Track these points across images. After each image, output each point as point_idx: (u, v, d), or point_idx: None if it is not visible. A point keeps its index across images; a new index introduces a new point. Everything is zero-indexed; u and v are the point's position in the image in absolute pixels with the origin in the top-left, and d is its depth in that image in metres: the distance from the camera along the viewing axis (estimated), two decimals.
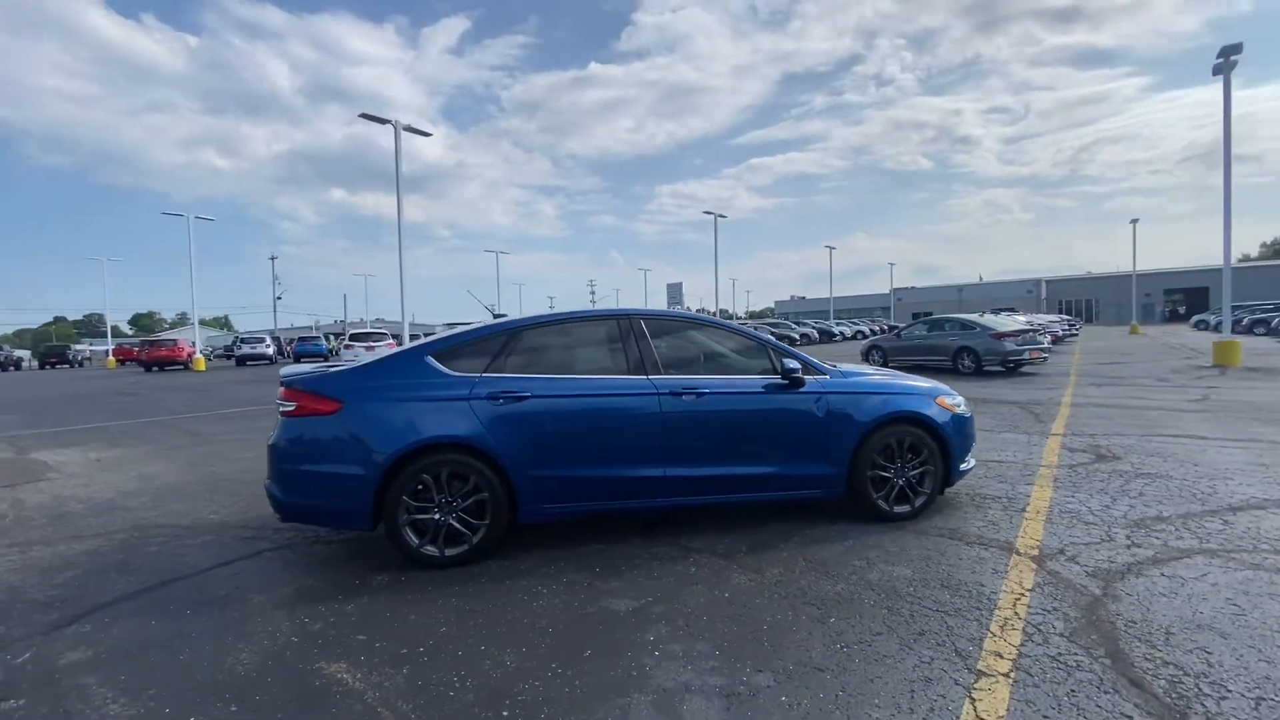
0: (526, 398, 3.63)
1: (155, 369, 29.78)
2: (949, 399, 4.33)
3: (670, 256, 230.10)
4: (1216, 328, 33.85)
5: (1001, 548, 3.62)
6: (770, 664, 2.45)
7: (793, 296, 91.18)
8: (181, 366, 30.43)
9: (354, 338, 21.19)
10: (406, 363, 3.71)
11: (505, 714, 2.18)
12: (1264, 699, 2.13)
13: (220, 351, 48.67)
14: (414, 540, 3.49)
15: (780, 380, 4.00)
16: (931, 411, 4.19)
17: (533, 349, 3.88)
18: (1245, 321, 29.57)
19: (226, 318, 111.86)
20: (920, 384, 4.39)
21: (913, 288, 77.50)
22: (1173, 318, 58.10)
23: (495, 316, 5.85)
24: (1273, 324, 26.37)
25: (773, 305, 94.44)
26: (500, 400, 3.60)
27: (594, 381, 3.80)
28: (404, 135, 17.36)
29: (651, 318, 4.12)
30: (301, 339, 33.81)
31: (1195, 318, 40.53)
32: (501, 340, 3.84)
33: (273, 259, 61.55)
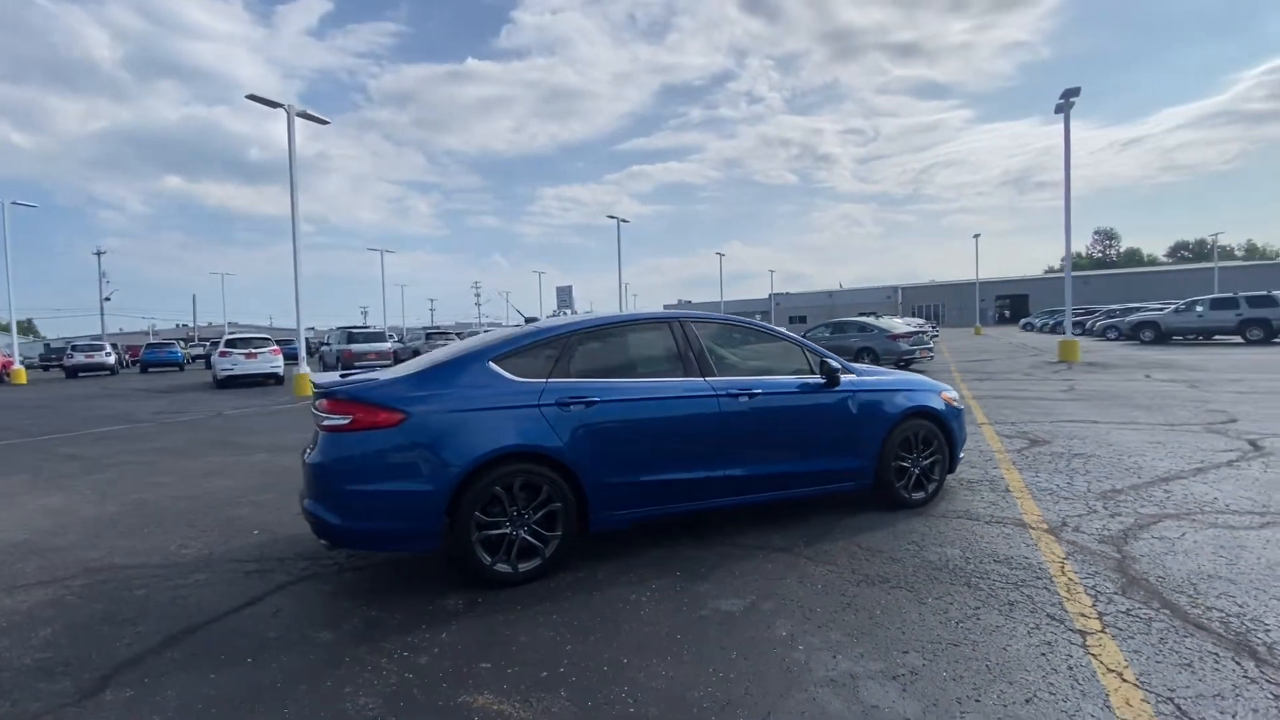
0: (596, 403, 3.54)
1: None
2: (949, 393, 4.80)
3: (555, 259, 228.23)
4: (1041, 329, 39.78)
5: (1016, 524, 4.09)
6: (909, 645, 2.62)
7: (679, 301, 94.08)
8: None
9: (231, 344, 18.91)
10: (469, 369, 3.48)
11: None
12: None
13: (36, 361, 41.24)
14: (486, 558, 3.28)
15: (819, 379, 4.22)
16: (939, 405, 4.62)
17: (592, 353, 3.80)
18: (1059, 323, 34.85)
19: (30, 321, 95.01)
20: (926, 380, 4.82)
21: (788, 293, 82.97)
22: (1002, 320, 67.08)
23: (526, 321, 5.36)
24: (1087, 325, 31.33)
25: (662, 307, 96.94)
26: (571, 406, 3.48)
27: (659, 385, 3.79)
28: (254, 119, 15.82)
29: (700, 321, 4.18)
30: (151, 346, 29.65)
31: (1023, 320, 47.27)
32: (561, 344, 3.72)
33: (99, 254, 53.21)
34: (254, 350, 18.62)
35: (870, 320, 17.52)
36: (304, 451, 3.71)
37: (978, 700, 2.23)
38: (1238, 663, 2.40)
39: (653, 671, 2.49)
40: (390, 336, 25.16)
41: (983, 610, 2.90)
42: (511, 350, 3.61)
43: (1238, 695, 2.20)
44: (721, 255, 49.17)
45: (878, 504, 4.50)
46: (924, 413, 4.53)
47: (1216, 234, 54.69)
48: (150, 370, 29.94)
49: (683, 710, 2.23)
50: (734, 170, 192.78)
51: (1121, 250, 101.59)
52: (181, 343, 36.95)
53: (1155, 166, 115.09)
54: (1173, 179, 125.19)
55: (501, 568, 3.32)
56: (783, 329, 4.78)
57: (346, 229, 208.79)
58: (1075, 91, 16.31)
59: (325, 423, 3.25)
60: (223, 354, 18.61)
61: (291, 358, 20.90)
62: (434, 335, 26.18)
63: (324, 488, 3.21)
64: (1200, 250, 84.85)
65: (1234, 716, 2.09)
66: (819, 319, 44.36)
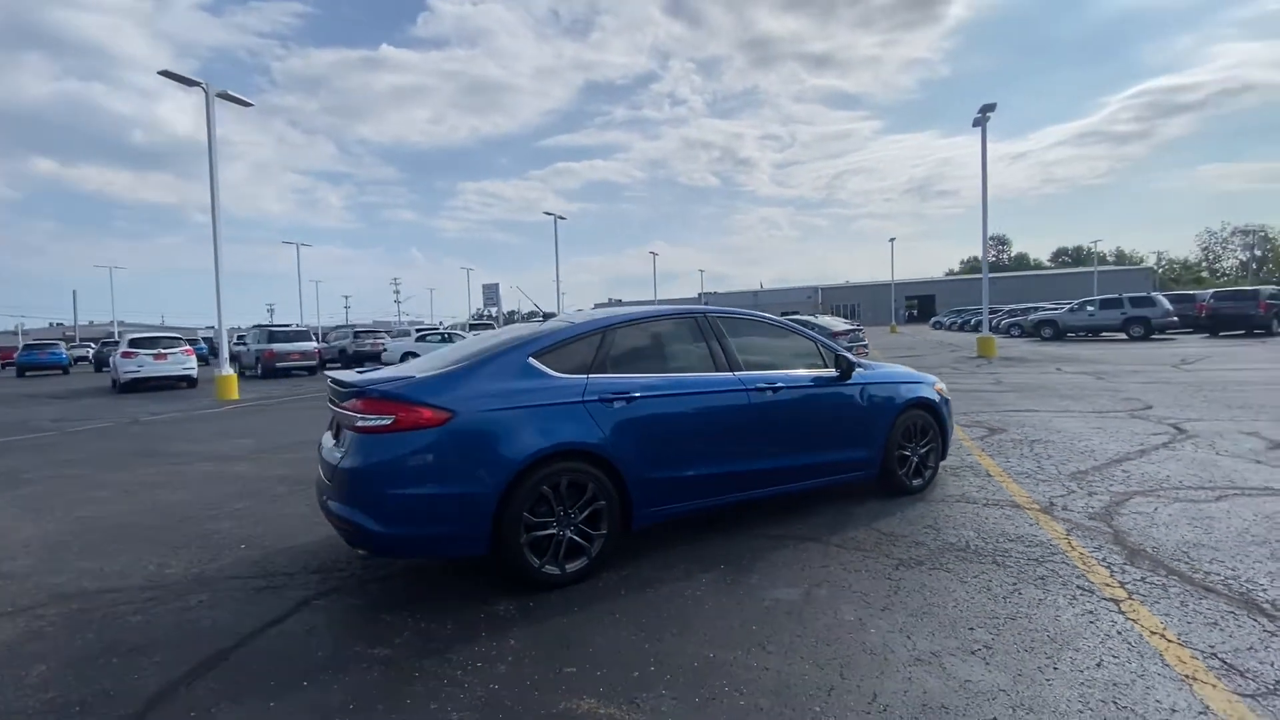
0: (636, 398, 3.50)
1: None
2: (940, 385, 5.08)
3: (477, 256, 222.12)
4: (950, 327, 42.87)
5: (1010, 506, 4.39)
6: (972, 622, 2.77)
7: (610, 299, 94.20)
8: None
9: (137, 344, 17.16)
10: (511, 365, 3.35)
11: (820, 709, 2.19)
12: None
13: None
14: (535, 560, 3.17)
15: (832, 372, 4.37)
16: (934, 396, 4.89)
17: (625, 348, 3.75)
18: (973, 321, 37.59)
19: None
20: (920, 373, 5.09)
21: (715, 292, 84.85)
22: (911, 319, 71.59)
23: (544, 317, 5.05)
24: (992, 323, 33.99)
25: (592, 306, 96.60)
26: (613, 402, 3.43)
27: (694, 379, 3.80)
28: (139, 99, 14.51)
29: (722, 315, 4.22)
30: (29, 347, 26.43)
31: (933, 319, 50.63)
32: (597, 339, 3.65)
33: None
34: (164, 351, 17.01)
35: (811, 318, 18.24)
36: (322, 453, 3.46)
37: (1055, 668, 2.39)
38: (1253, 619, 2.70)
39: (744, 664, 2.50)
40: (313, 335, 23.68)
41: (1021, 586, 3.11)
42: (551, 345, 3.51)
43: (1266, 646, 2.48)
44: (655, 254, 49.64)
45: (879, 492, 4.71)
46: (922, 403, 4.79)
47: (1096, 241, 60.89)
48: (28, 374, 26.71)
49: (790, 699, 2.26)
50: (659, 171, 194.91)
51: (1012, 255, 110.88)
52: (63, 343, 33.10)
53: (1038, 179, 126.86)
54: (1053, 190, 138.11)
55: (550, 569, 3.22)
56: (793, 322, 4.89)
57: (248, 220, 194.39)
58: (991, 107, 17.67)
59: (361, 424, 3.04)
60: (126, 355, 16.87)
61: (203, 359, 19.28)
62: (363, 334, 24.85)
63: (363, 492, 3.00)
64: (1078, 255, 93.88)
65: (1272, 665, 2.35)
66: None
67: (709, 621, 2.87)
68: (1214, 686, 2.24)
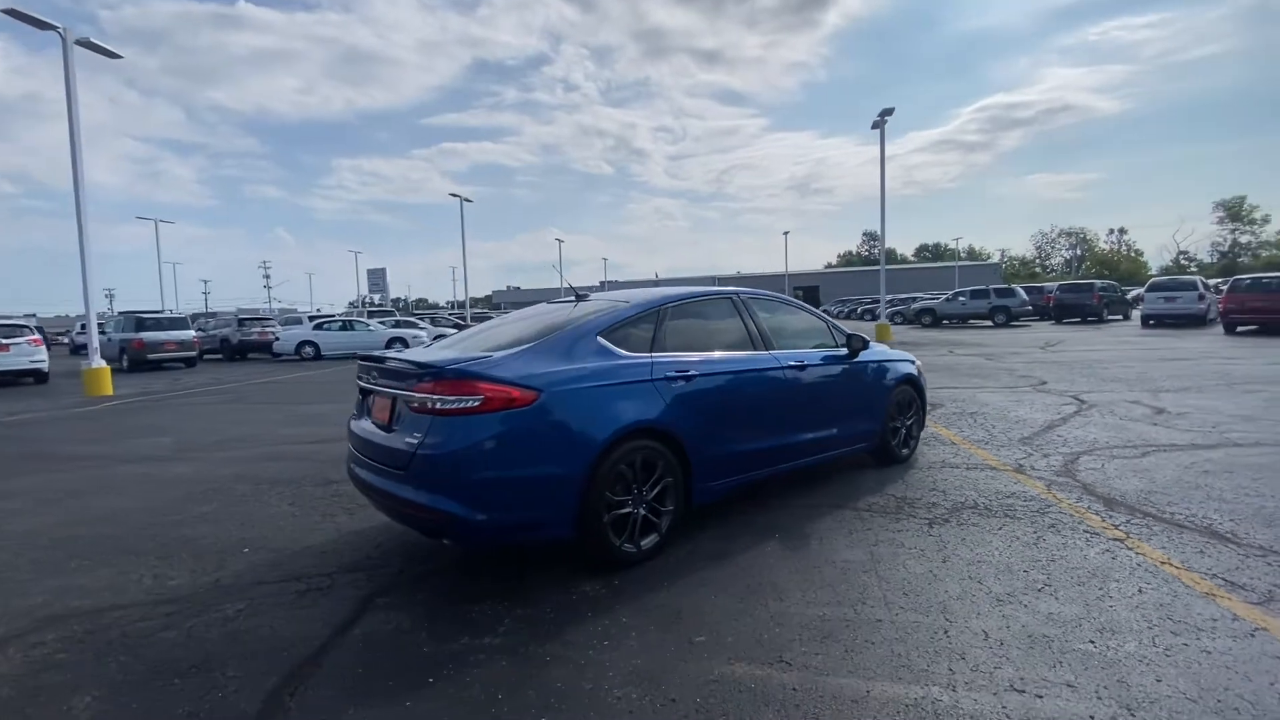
0: (694, 376, 3.57)
1: None
2: (919, 362, 5.57)
3: (356, 238, 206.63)
4: (836, 316, 46.23)
5: (987, 468, 4.94)
6: (1023, 566, 3.13)
7: (509, 286, 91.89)
8: None
9: None
10: (585, 345, 3.29)
11: (947, 647, 2.41)
12: (1246, 516, 3.64)
13: None
14: (615, 539, 3.16)
15: (844, 351, 4.67)
16: (916, 373, 5.36)
17: (678, 327, 3.79)
18: (859, 310, 40.73)
19: None
20: (904, 352, 5.54)
21: (616, 281, 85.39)
22: None
23: (578, 296, 4.45)
24: (875, 312, 37.03)
25: (490, 294, 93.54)
26: (676, 380, 3.47)
27: (739, 358, 3.92)
28: (45, 55, 12.38)
29: (752, 297, 4.36)
30: None
31: (820, 308, 54.24)
32: (654, 318, 3.67)
33: None
34: (4, 341, 14.46)
35: None
36: (372, 440, 3.23)
37: (1110, 596, 2.79)
38: (1226, 546, 3.29)
39: (858, 618, 2.68)
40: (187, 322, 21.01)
41: (1041, 534, 3.55)
42: (617, 325, 3.49)
43: (1247, 566, 3.04)
44: (560, 240, 49.02)
45: (873, 462, 5.11)
46: (909, 379, 5.24)
47: (957, 238, 67.90)
48: None
49: (920, 644, 2.46)
50: (552, 156, 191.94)
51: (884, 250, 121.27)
52: None
53: (901, 181, 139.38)
54: (913, 192, 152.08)
55: (628, 547, 3.23)
56: (806, 304, 5.14)
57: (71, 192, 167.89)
58: (890, 111, 19.24)
59: (443, 405, 2.87)
60: None
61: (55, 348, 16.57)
62: (249, 322, 22.39)
63: (452, 478, 2.83)
64: (937, 251, 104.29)
65: (1260, 579, 2.89)
66: None
67: (799, 585, 3.03)
68: (1229, 599, 2.73)
